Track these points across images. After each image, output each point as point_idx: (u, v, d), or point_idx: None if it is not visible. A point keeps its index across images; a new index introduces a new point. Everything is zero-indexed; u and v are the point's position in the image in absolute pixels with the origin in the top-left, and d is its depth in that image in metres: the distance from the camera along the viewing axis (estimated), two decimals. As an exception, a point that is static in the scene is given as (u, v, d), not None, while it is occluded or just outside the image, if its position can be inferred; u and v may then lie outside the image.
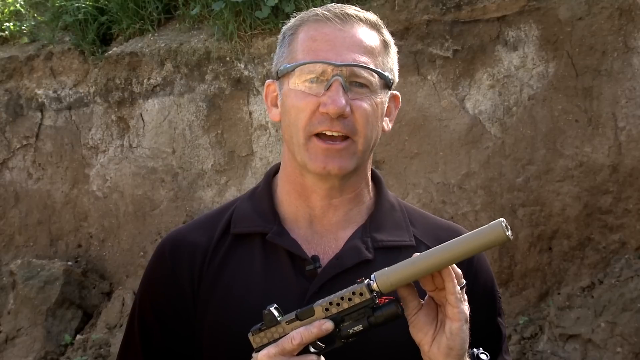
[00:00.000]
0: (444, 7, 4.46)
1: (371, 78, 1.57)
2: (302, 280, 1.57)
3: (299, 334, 1.42)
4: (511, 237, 1.39)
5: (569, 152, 4.24)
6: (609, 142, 4.17)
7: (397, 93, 1.69)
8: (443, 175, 4.50)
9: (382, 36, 1.63)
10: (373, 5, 4.52)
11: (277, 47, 1.66)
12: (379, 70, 1.59)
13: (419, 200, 4.49)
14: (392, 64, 1.64)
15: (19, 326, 5.34)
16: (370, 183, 1.69)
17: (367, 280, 1.43)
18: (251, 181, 4.97)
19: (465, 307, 1.43)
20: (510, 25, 4.37)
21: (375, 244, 1.61)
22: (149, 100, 5.28)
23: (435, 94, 4.51)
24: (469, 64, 4.45)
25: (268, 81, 1.68)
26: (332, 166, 1.55)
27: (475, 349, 1.50)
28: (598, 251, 4.22)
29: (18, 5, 6.04)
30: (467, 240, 1.42)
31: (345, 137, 1.56)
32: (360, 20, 1.61)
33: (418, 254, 1.44)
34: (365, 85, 1.57)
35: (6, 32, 5.90)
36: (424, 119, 4.53)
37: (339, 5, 1.63)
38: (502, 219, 1.40)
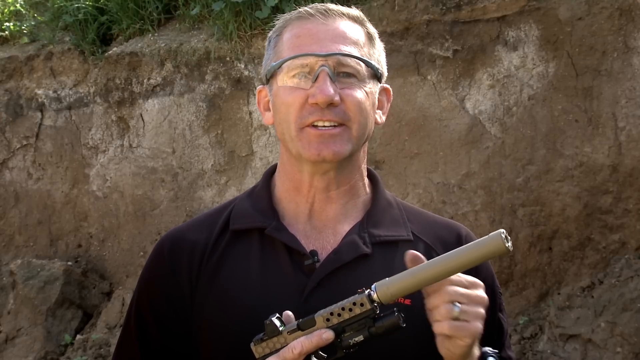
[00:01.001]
0: (444, 7, 4.46)
1: (358, 67, 1.58)
2: (301, 275, 1.57)
3: (300, 343, 1.43)
4: (511, 249, 1.41)
5: (569, 152, 4.24)
6: (609, 142, 4.17)
7: (388, 86, 1.70)
8: (443, 175, 4.50)
9: (366, 29, 1.65)
10: (373, 5, 4.52)
11: (265, 52, 1.68)
12: (365, 58, 1.60)
13: (419, 200, 4.49)
14: (378, 56, 1.65)
15: (19, 326, 5.34)
16: (365, 179, 1.70)
17: (368, 290, 1.44)
18: (251, 181, 4.97)
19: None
20: (510, 25, 4.37)
21: (373, 239, 1.61)
22: (149, 100, 5.29)
23: (435, 94, 4.51)
24: (469, 64, 4.45)
25: (259, 87, 1.70)
26: (326, 152, 1.56)
27: (486, 348, 1.51)
28: (598, 251, 4.22)
29: (18, 5, 6.04)
30: (467, 252, 1.43)
31: (338, 125, 1.57)
32: (343, 14, 1.63)
33: (418, 265, 1.45)
34: (352, 75, 1.58)
35: (6, 32, 5.90)
36: (424, 119, 4.53)
37: (321, 3, 1.65)
38: (502, 230, 1.41)
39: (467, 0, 4.42)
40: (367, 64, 1.59)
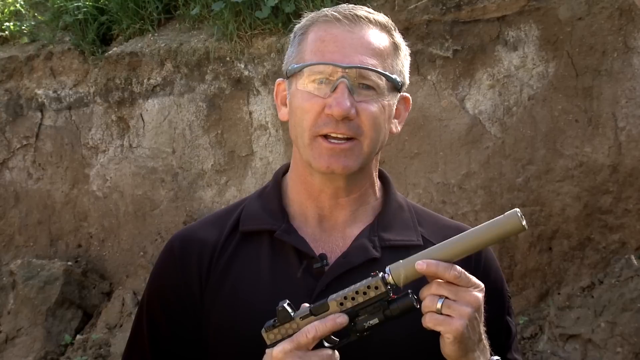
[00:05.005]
0: (444, 7, 4.46)
1: (378, 81, 1.56)
2: (309, 279, 1.57)
3: (314, 327, 1.42)
4: (526, 227, 1.39)
5: (569, 152, 4.25)
6: (609, 142, 4.18)
7: (408, 95, 1.68)
8: (443, 175, 4.50)
9: (393, 38, 1.62)
10: (373, 5, 4.52)
11: (289, 46, 1.66)
12: (387, 73, 1.57)
13: (419, 200, 4.49)
14: (401, 67, 1.62)
15: (19, 326, 5.34)
16: (377, 183, 1.68)
17: (382, 273, 1.43)
18: (251, 181, 4.97)
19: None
20: (510, 25, 4.38)
21: (383, 243, 1.61)
22: (149, 100, 5.29)
23: (435, 94, 4.51)
24: (469, 64, 4.45)
25: (278, 80, 1.68)
26: (336, 165, 1.55)
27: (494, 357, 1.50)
28: (598, 251, 4.22)
29: (18, 5, 6.04)
30: (483, 231, 1.42)
31: (350, 138, 1.55)
32: (370, 22, 1.59)
33: (433, 246, 1.45)
34: (372, 88, 1.56)
35: (6, 32, 5.90)
36: (424, 119, 4.54)
37: (350, 6, 1.62)
38: (517, 209, 1.40)
39: (467, 0, 4.43)
40: (388, 78, 1.57)
